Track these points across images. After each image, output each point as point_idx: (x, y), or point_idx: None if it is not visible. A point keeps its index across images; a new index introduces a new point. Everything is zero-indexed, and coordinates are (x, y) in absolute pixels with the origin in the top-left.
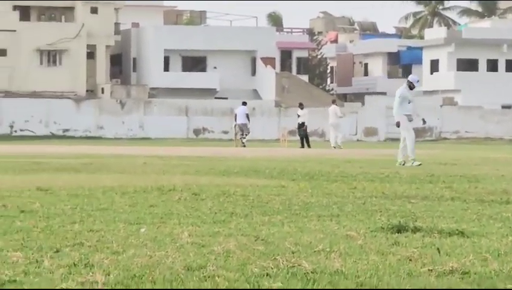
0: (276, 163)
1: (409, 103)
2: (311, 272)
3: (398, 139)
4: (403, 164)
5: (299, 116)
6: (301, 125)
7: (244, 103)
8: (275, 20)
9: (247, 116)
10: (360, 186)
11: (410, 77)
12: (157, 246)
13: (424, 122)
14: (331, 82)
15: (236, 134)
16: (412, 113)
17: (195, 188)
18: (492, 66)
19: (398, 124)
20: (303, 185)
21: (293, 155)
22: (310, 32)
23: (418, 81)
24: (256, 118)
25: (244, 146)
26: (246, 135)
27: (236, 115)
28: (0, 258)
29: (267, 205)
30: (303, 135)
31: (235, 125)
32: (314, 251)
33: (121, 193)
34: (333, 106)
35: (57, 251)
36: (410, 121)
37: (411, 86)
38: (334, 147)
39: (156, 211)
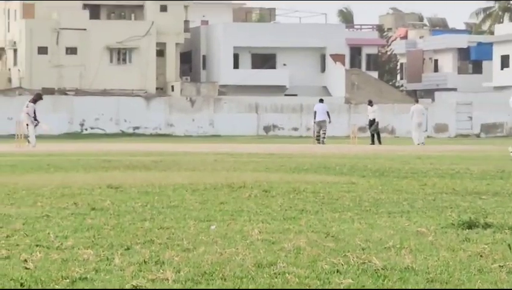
0: (346, 160)
1: None
2: (382, 268)
3: (468, 135)
4: None
5: (369, 113)
6: (372, 122)
7: (321, 100)
8: (345, 17)
9: (328, 113)
10: (430, 182)
11: None
12: (228, 243)
13: None
14: (401, 78)
15: (314, 131)
16: None
17: (265, 185)
18: None
19: None
20: (373, 181)
21: (363, 152)
22: (380, 29)
23: None
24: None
25: (324, 143)
26: (324, 132)
27: (315, 113)
28: (71, 255)
29: (337, 202)
30: (374, 131)
31: (314, 123)
32: (385, 248)
33: (191, 190)
34: (418, 105)
35: (128, 249)
36: None
37: None
38: (418, 144)
39: (226, 208)
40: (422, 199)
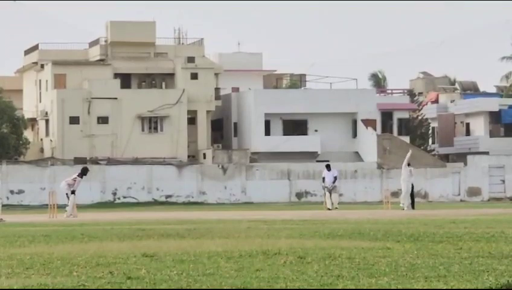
0: (380, 225)
1: None
2: None
3: (501, 199)
4: None
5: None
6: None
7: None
8: (377, 81)
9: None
10: (466, 246)
11: None
12: None
13: None
14: (433, 143)
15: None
16: None
17: (300, 252)
18: None
19: None
20: (408, 246)
21: (397, 217)
22: (411, 93)
23: None
24: (358, 180)
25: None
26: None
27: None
28: None
29: (373, 267)
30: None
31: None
32: None
33: (226, 257)
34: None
35: None
36: None
37: None
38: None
39: (262, 275)
40: (459, 263)
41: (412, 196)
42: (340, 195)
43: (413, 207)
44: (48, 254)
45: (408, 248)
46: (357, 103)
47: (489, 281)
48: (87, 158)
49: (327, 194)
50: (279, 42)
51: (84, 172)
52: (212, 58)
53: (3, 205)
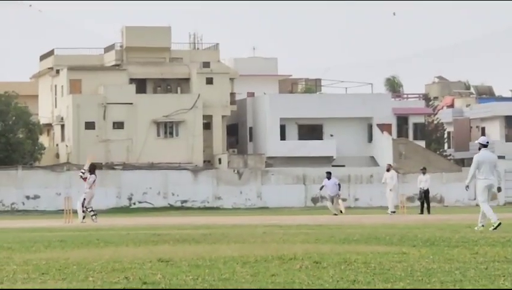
0: (395, 230)
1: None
2: None
3: None
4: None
5: (421, 181)
6: (425, 191)
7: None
8: (392, 85)
9: (339, 185)
10: (481, 251)
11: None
12: None
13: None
14: (448, 147)
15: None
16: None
17: (316, 257)
18: None
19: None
20: (424, 251)
21: (413, 221)
22: (426, 98)
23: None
24: (373, 185)
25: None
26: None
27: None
28: None
29: (388, 272)
30: (423, 200)
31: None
32: None
33: (242, 262)
34: (390, 172)
35: None
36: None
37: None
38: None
39: (278, 280)
40: (474, 268)
41: (428, 200)
42: (344, 200)
43: (429, 212)
44: (63, 259)
45: (424, 253)
46: (372, 107)
47: (505, 285)
48: (103, 163)
49: (330, 202)
50: (294, 47)
51: (93, 169)
52: (228, 63)
53: (18, 211)
